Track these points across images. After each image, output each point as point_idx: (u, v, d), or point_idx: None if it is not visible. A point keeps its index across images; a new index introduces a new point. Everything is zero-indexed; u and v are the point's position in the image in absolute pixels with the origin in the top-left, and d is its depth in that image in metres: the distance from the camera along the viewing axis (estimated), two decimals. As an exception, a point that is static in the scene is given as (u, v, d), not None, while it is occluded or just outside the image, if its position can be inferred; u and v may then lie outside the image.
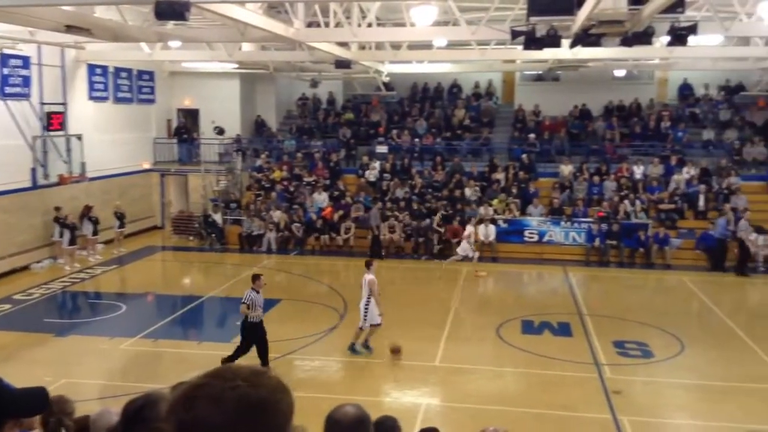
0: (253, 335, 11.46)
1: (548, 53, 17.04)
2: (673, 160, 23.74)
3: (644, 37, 12.41)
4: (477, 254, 19.88)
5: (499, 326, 14.52)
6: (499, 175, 24.10)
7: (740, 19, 14.57)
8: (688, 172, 23.08)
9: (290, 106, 30.49)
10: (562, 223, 21.80)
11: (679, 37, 12.51)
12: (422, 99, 29.15)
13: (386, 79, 26.45)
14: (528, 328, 14.62)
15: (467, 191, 23.41)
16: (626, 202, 21.95)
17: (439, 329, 14.19)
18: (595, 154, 25.08)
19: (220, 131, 25.64)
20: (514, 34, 13.25)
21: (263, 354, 11.44)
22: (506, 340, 13.72)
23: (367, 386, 11.34)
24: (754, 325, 14.81)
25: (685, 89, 27.43)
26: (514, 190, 23.28)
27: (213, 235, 23.27)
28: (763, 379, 11.61)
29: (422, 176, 24.50)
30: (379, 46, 20.36)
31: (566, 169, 24.00)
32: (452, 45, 20.84)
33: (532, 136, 25.73)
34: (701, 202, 22.07)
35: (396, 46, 19.91)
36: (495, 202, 22.80)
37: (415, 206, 22.95)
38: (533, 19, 12.15)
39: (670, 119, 25.98)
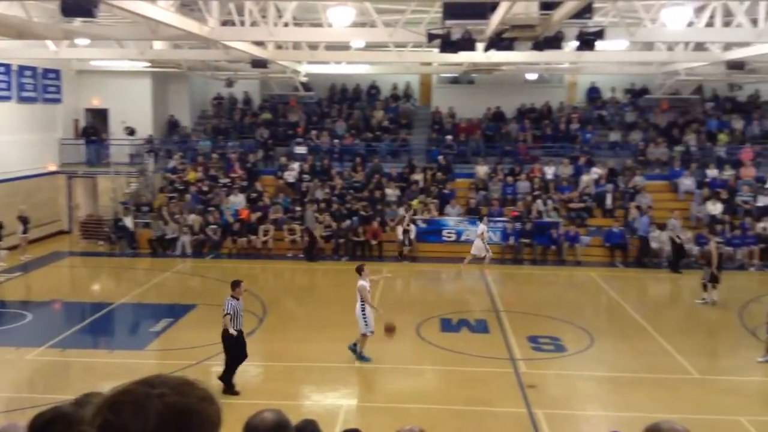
0: (237, 344, 11.03)
1: (463, 56, 17.34)
2: (582, 161, 24.65)
3: (554, 42, 12.83)
4: (490, 253, 20.08)
5: (418, 325, 14.67)
6: (418, 176, 24.39)
7: (645, 25, 15.25)
8: (597, 172, 24.02)
9: (205, 106, 29.85)
10: (478, 223, 22.24)
11: (587, 42, 12.99)
12: (341, 100, 29.15)
13: (304, 80, 26.30)
14: (447, 325, 14.85)
15: (387, 192, 23.57)
16: (539, 201, 22.65)
17: (358, 329, 14.18)
18: (508, 156, 25.75)
19: (131, 131, 24.82)
20: (431, 37, 13.44)
21: (236, 364, 11.03)
22: (426, 339, 13.88)
23: (287, 390, 11.23)
24: (659, 318, 15.56)
25: (593, 92, 28.54)
26: (433, 191, 23.63)
27: (123, 239, 22.48)
28: (668, 369, 12.19)
29: (342, 177, 24.49)
30: (297, 46, 20.21)
31: (482, 170, 24.53)
32: (370, 46, 20.92)
33: (449, 137, 26.17)
34: (608, 201, 23.01)
35: (313, 46, 19.81)
36: (414, 202, 23.06)
37: (335, 207, 22.92)
38: (449, 22, 12.34)
39: (579, 121, 26.98)
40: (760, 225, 21.17)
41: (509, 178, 24.05)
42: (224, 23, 15.71)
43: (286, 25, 15.74)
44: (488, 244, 20.45)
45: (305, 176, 24.60)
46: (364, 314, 12.28)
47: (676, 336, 13.98)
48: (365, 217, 22.33)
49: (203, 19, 15.03)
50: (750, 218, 21.68)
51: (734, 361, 13.11)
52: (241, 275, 19.87)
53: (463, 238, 22.08)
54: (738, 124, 26.29)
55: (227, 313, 10.85)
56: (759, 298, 16.66)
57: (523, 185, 23.70)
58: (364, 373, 12.10)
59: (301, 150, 25.88)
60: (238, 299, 11.09)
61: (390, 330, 12.30)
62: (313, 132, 26.94)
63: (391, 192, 23.57)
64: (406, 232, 21.38)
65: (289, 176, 24.63)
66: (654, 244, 21.05)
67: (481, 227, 20.38)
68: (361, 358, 12.41)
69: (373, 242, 21.76)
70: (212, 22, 14.99)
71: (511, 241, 21.69)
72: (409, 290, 19.52)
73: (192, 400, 1.53)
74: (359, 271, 12.63)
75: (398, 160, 25.93)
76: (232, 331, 10.80)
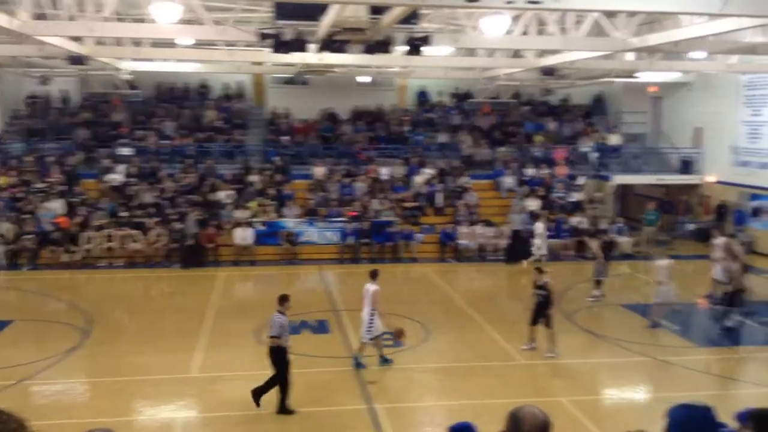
0: (285, 361, 10.19)
1: (296, 57, 17.30)
2: (414, 162, 25.55)
3: (384, 46, 13.17)
4: (546, 253, 19.82)
5: (258, 329, 14.43)
6: (254, 178, 24.00)
7: (467, 32, 16.06)
8: (428, 172, 24.99)
9: (17, 105, 27.41)
10: (317, 223, 22.37)
11: (414, 46, 13.47)
12: (169, 99, 28.00)
13: (128, 77, 24.96)
14: (286, 328, 14.72)
15: (221, 195, 22.96)
16: (375, 201, 23.17)
17: (194, 338, 13.73)
18: (345, 157, 26.09)
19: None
20: (262, 37, 13.28)
21: (286, 384, 10.20)
22: (265, 343, 13.65)
23: (118, 406, 10.58)
24: (487, 309, 16.47)
25: (422, 96, 29.67)
26: (270, 193, 23.36)
27: None
28: (497, 357, 12.94)
29: (172, 180, 23.52)
30: (119, 42, 19.10)
31: (319, 171, 24.65)
32: (199, 44, 20.27)
33: (285, 138, 26.01)
34: (439, 200, 24.04)
35: (138, 42, 18.83)
36: (251, 204, 22.66)
37: (166, 212, 21.95)
38: (280, 22, 12.26)
39: (410, 123, 27.93)
40: (574, 219, 23.07)
41: (346, 179, 24.36)
42: (38, 16, 14.50)
43: (106, 19, 14.83)
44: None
45: (131, 179, 23.34)
46: (371, 321, 11.99)
47: (503, 325, 14.85)
48: (199, 222, 21.60)
49: (13, 11, 13.76)
50: (564, 213, 23.59)
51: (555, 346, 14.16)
52: (63, 287, 18.63)
53: (302, 239, 22.06)
54: (551, 126, 28.50)
55: (275, 335, 10.08)
56: (575, 285, 18.17)
57: (360, 186, 24.12)
58: (200, 383, 11.69)
59: (126, 151, 24.55)
60: (284, 314, 10.27)
61: (399, 335, 12.31)
62: (139, 132, 25.66)
63: (226, 194, 22.99)
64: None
65: (114, 180, 23.26)
66: (480, 241, 22.28)
67: (539, 226, 19.86)
68: (358, 365, 12.14)
69: (209, 246, 21.11)
70: (24, 15, 13.76)
71: (350, 240, 21.99)
72: (247, 294, 19.16)
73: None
74: (373, 275, 12.31)
75: (233, 161, 25.38)
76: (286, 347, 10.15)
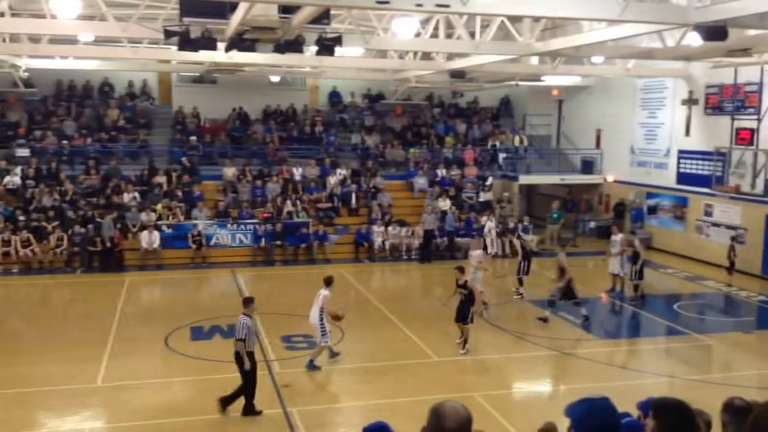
0: (253, 367, 10.23)
1: (204, 55, 16.93)
2: (327, 163, 25.49)
3: (295, 46, 13.08)
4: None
5: (167, 336, 14.04)
6: (161, 179, 23.29)
7: (378, 34, 16.17)
8: (341, 173, 25.00)
9: None
10: (228, 225, 21.94)
11: (326, 47, 13.44)
12: (69, 97, 26.78)
13: (25, 75, 23.72)
14: (198, 334, 14.40)
15: (126, 196, 22.15)
16: (288, 202, 22.96)
17: (100, 347, 13.20)
18: (256, 157, 25.73)
19: None
20: (168, 34, 12.93)
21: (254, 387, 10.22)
22: (175, 349, 13.32)
23: (18, 418, 10.05)
24: (401, 308, 16.63)
25: (335, 96, 29.64)
26: (178, 194, 22.73)
27: None
28: (412, 356, 13.08)
29: (74, 182, 22.50)
30: (15, 38, 18.12)
31: (229, 171, 24.19)
32: (101, 41, 19.51)
33: (193, 138, 25.38)
34: (353, 201, 24.08)
35: (35, 39, 17.93)
36: (158, 207, 21.98)
37: (67, 215, 20.96)
38: (186, 20, 11.98)
39: (323, 124, 27.84)
40: (483, 219, 23.62)
41: (258, 180, 24.02)
42: None
43: (2, 14, 14.05)
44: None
45: (29, 182, 22.18)
46: (322, 324, 12.13)
47: (418, 323, 15.04)
48: (115, 224, 20.71)
49: None
50: (474, 213, 24.12)
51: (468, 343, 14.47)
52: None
53: (212, 242, 21.59)
54: (461, 127, 29.09)
55: (242, 337, 10.10)
56: (485, 281, 18.58)
57: (273, 186, 23.83)
58: (107, 393, 11.24)
59: (23, 152, 23.30)
60: (251, 317, 10.37)
61: (339, 317, 12.52)
62: (37, 132, 24.44)
63: (129, 197, 22.18)
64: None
65: (10, 182, 22.04)
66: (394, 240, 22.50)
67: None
68: (313, 367, 12.15)
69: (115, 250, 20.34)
70: None
71: (263, 242, 21.69)
72: (154, 300, 18.59)
73: None
74: (328, 282, 12.38)
75: (138, 162, 24.54)
76: (246, 364, 10.15)
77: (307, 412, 10.55)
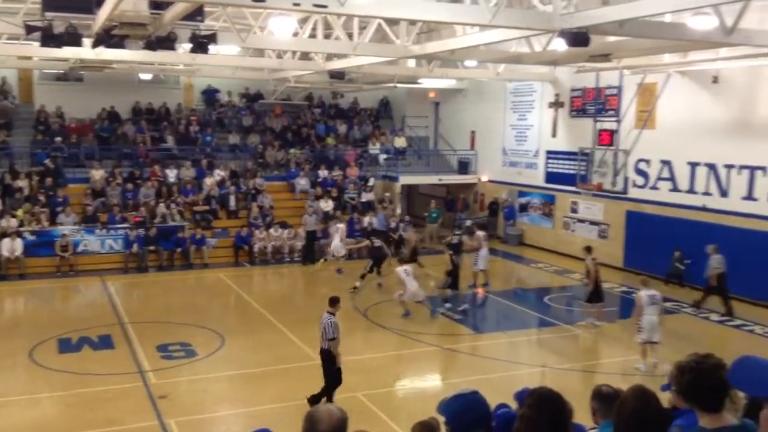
0: (334, 364, 10.35)
1: (69, 52, 15.97)
2: (204, 164, 24.77)
3: (167, 42, 12.61)
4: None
5: (31, 349, 13.14)
6: (22, 183, 21.76)
7: (255, 32, 15.87)
8: (219, 174, 24.37)
9: None
10: (97, 231, 20.82)
11: (200, 44, 13.05)
12: None
13: None
14: (66, 346, 13.56)
15: (-19, 202, 20.54)
16: (162, 205, 22.09)
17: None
18: (127, 158, 24.60)
19: None
20: (29, 29, 12.12)
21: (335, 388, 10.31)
22: (41, 364, 12.48)
23: None
24: (283, 311, 16.44)
25: (210, 95, 28.84)
26: (42, 199, 21.31)
27: None
28: (294, 359, 12.92)
29: None
30: None
31: (97, 174, 22.97)
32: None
33: (58, 139, 23.89)
34: (232, 203, 23.54)
35: None
36: (19, 212, 20.51)
37: None
38: (49, 14, 11.27)
39: (198, 124, 27.02)
40: (366, 219, 23.80)
41: (129, 183, 22.95)
42: None
43: None
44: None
45: None
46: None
47: (300, 325, 14.88)
48: None
49: None
50: (357, 213, 24.25)
51: (351, 342, 14.48)
52: None
53: (80, 249, 20.41)
54: (342, 128, 29.18)
55: (334, 337, 10.21)
56: (368, 284, 18.73)
57: (145, 189, 22.85)
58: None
59: None
60: (334, 315, 10.43)
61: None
62: None
63: (-12, 202, 20.60)
64: None
65: None
66: (276, 243, 22.21)
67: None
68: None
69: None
70: None
71: (135, 248, 20.73)
72: (17, 312, 17.35)
73: None
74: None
75: (-4, 165, 22.81)
76: (338, 361, 10.35)
77: (186, 422, 10.18)
